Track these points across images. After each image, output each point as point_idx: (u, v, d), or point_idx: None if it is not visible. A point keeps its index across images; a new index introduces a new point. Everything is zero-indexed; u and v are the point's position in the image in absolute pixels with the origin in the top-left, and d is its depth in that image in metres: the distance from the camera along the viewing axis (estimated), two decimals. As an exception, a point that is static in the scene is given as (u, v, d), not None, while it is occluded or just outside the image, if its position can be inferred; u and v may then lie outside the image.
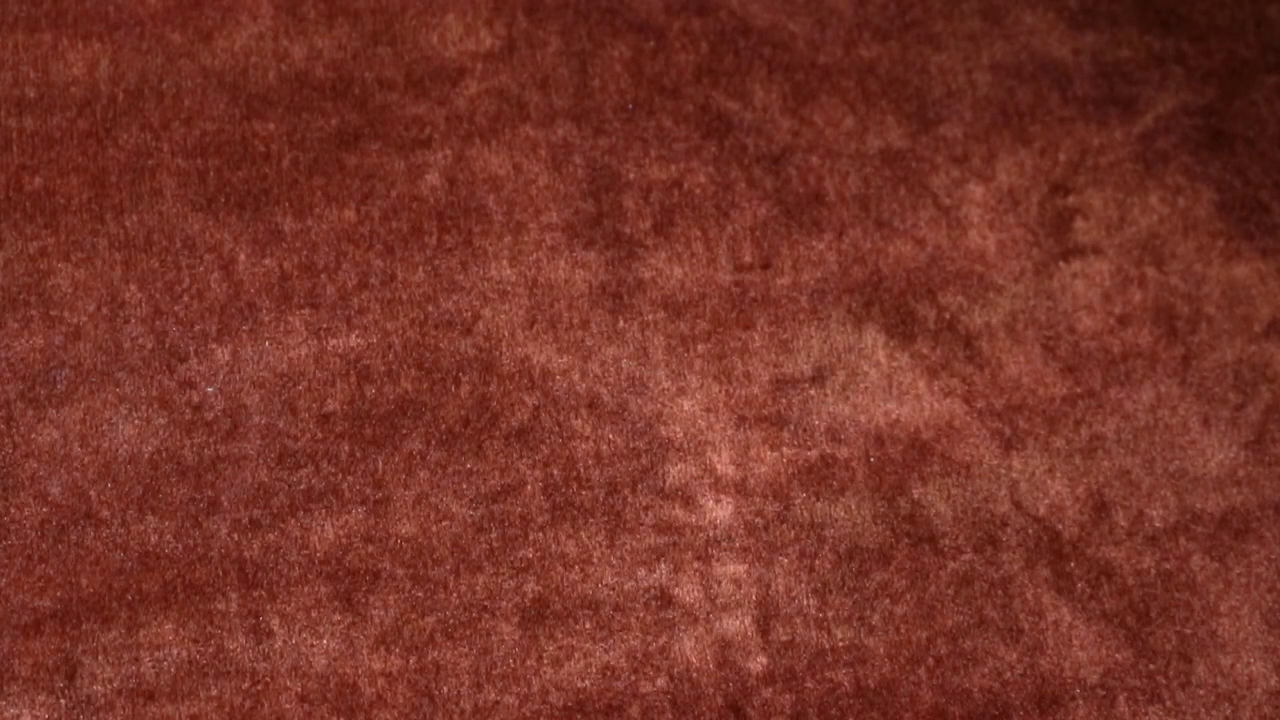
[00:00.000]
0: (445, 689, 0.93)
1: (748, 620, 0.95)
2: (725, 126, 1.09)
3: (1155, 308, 1.05)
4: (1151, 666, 0.95)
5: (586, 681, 0.93)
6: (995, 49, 1.13)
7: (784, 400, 1.01)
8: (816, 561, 0.97)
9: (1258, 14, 1.16)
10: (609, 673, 0.94)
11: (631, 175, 1.07)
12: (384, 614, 0.94)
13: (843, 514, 0.98)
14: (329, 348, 1.00)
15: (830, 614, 0.96)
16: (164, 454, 0.97)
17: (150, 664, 0.92)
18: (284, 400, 0.99)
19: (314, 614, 0.94)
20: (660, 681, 0.94)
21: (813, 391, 1.02)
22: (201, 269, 1.02)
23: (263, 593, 0.94)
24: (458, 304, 1.02)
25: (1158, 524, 0.99)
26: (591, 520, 0.97)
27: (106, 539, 0.94)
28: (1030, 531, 0.99)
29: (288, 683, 0.92)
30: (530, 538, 0.97)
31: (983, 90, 1.12)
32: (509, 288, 1.03)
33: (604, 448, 0.99)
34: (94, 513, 0.95)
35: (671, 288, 1.04)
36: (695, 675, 0.94)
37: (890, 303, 1.04)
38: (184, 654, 0.92)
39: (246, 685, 0.92)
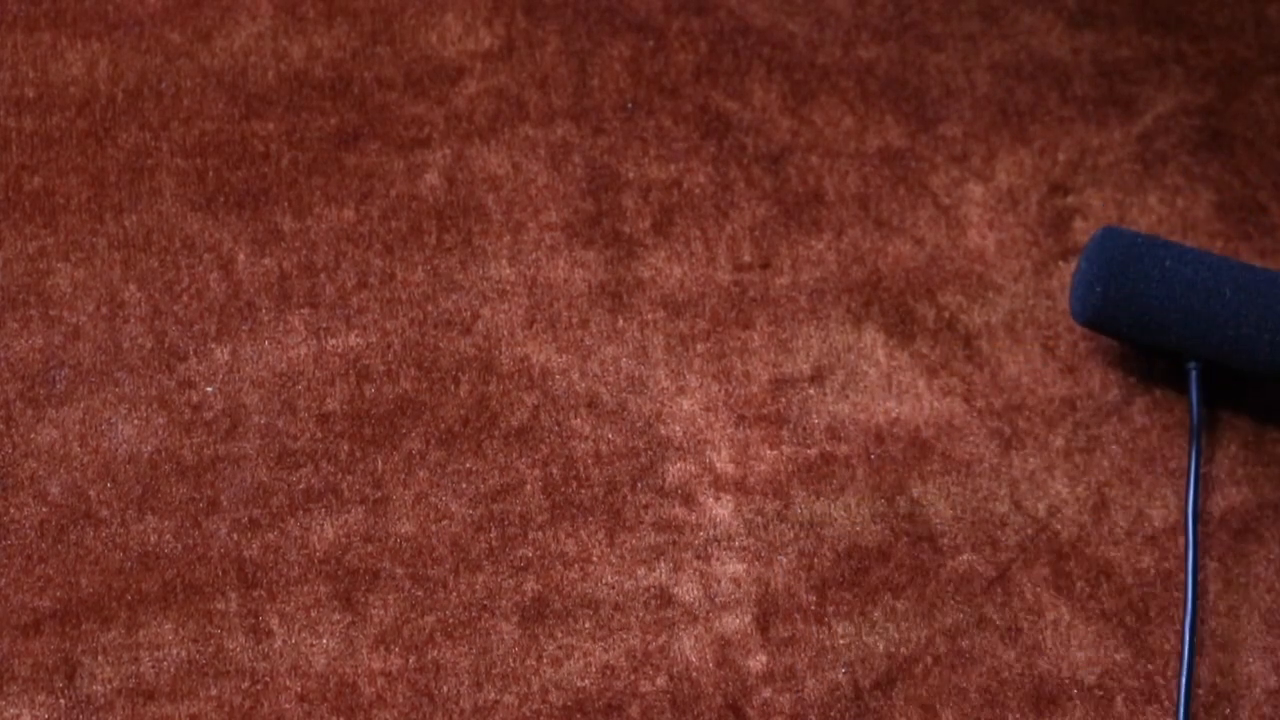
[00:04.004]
0: (445, 688, 0.93)
1: (747, 619, 0.95)
2: (725, 126, 1.09)
3: (1155, 307, 1.05)
4: (1150, 666, 0.95)
5: (586, 681, 0.93)
6: (994, 49, 1.13)
7: (783, 399, 1.01)
8: (816, 560, 0.97)
9: (1258, 14, 1.16)
10: (609, 672, 0.94)
11: (631, 175, 1.07)
12: (384, 613, 0.94)
13: (842, 513, 0.98)
14: (328, 347, 1.00)
15: (830, 611, 0.96)
16: (164, 454, 0.97)
17: (150, 664, 0.92)
18: (283, 400, 0.99)
19: (314, 614, 0.94)
20: (660, 680, 0.94)
21: (812, 391, 1.02)
22: (201, 269, 1.02)
23: (262, 592, 0.94)
24: (457, 303, 1.02)
25: (1158, 524, 0.99)
26: (591, 519, 0.97)
27: (106, 539, 0.94)
28: (1030, 531, 0.99)
29: (287, 682, 0.92)
30: (530, 537, 0.97)
31: (982, 90, 1.12)
32: (508, 287, 1.03)
33: (603, 447, 0.99)
34: (93, 513, 0.95)
35: (671, 287, 1.04)
36: (695, 674, 0.94)
37: (890, 302, 1.04)
38: (183, 654, 0.92)
39: (246, 685, 0.92)
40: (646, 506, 0.98)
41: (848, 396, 1.01)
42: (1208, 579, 0.98)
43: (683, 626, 0.95)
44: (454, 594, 0.95)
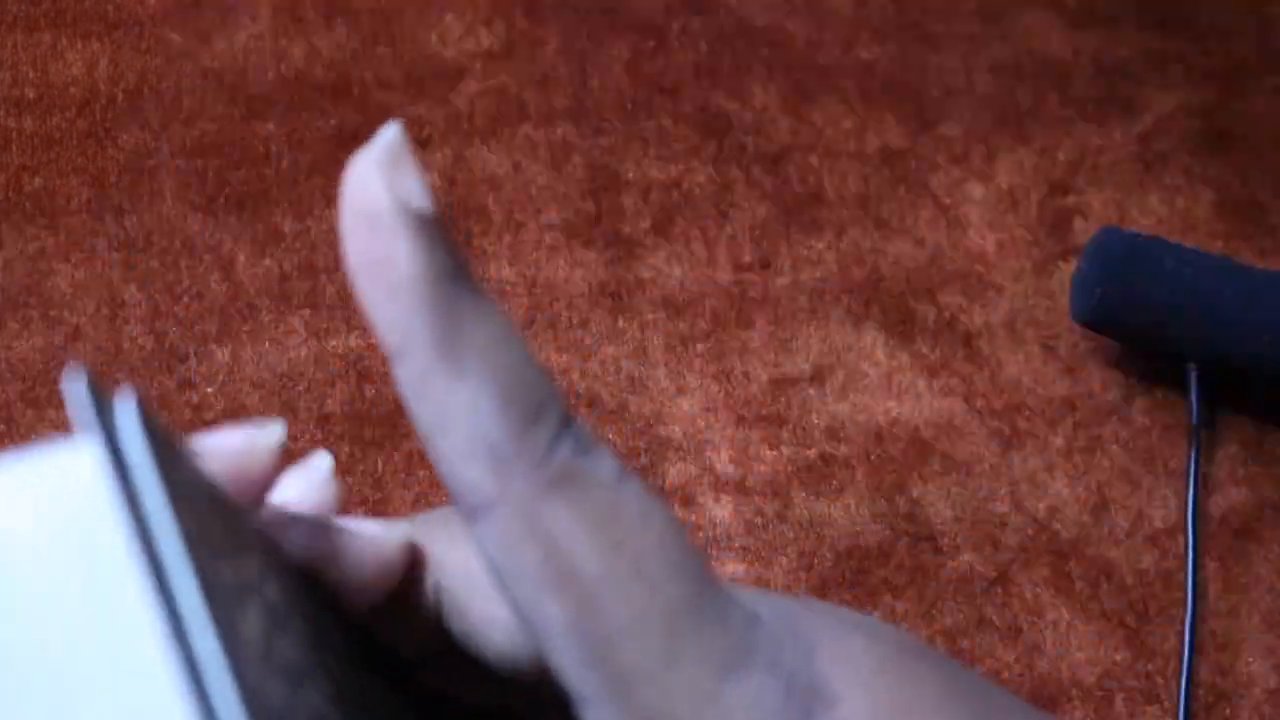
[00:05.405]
0: (445, 688, 0.93)
1: (747, 619, 0.95)
2: (725, 126, 1.09)
3: (1155, 307, 1.05)
4: (1150, 666, 0.95)
5: (586, 681, 0.93)
6: (994, 49, 1.13)
7: (783, 399, 1.01)
8: (816, 560, 0.97)
9: (1258, 14, 1.16)
10: (608, 672, 0.94)
11: (631, 175, 1.07)
12: (383, 614, 0.94)
13: (842, 513, 0.98)
14: (329, 348, 1.00)
15: (830, 613, 0.96)
16: (163, 454, 0.97)
17: (150, 664, 0.92)
18: (283, 400, 0.99)
19: (313, 614, 0.94)
20: (660, 681, 0.93)
21: (812, 391, 1.02)
22: (201, 269, 1.02)
23: (262, 592, 0.94)
24: (457, 304, 1.02)
25: (1158, 524, 0.99)
26: (591, 520, 0.97)
27: (106, 539, 0.94)
28: (1030, 531, 0.99)
29: (287, 682, 0.92)
30: (530, 537, 0.96)
31: (982, 90, 1.12)
32: (508, 287, 1.03)
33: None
34: (93, 513, 0.95)
35: (671, 287, 1.04)
36: (695, 675, 0.94)
37: (890, 302, 1.04)
38: (183, 654, 0.92)
39: (246, 685, 0.92)
40: (646, 507, 0.98)
41: (847, 396, 1.01)
42: (1208, 579, 0.98)
43: (683, 627, 0.95)
44: (454, 594, 0.95)
